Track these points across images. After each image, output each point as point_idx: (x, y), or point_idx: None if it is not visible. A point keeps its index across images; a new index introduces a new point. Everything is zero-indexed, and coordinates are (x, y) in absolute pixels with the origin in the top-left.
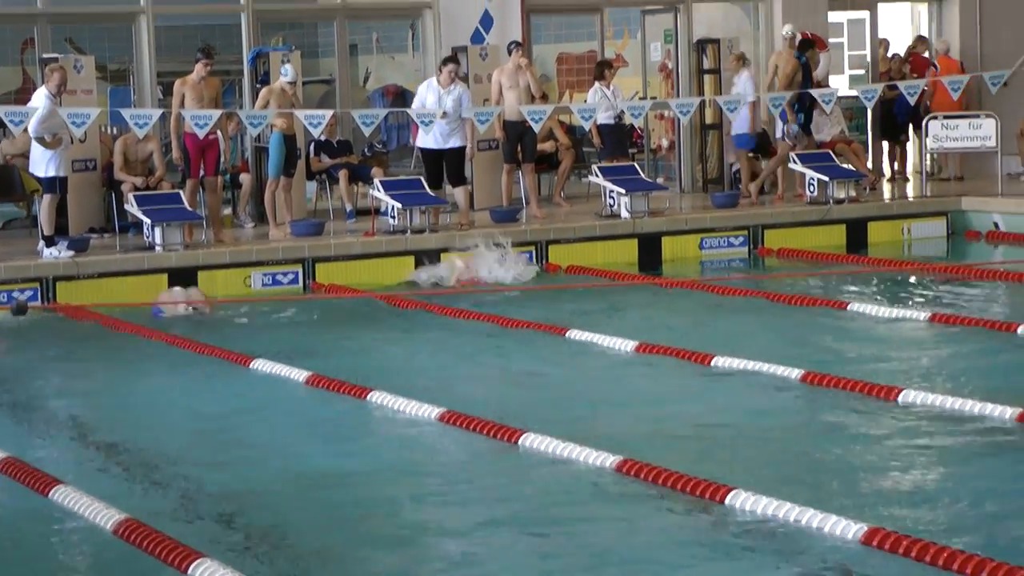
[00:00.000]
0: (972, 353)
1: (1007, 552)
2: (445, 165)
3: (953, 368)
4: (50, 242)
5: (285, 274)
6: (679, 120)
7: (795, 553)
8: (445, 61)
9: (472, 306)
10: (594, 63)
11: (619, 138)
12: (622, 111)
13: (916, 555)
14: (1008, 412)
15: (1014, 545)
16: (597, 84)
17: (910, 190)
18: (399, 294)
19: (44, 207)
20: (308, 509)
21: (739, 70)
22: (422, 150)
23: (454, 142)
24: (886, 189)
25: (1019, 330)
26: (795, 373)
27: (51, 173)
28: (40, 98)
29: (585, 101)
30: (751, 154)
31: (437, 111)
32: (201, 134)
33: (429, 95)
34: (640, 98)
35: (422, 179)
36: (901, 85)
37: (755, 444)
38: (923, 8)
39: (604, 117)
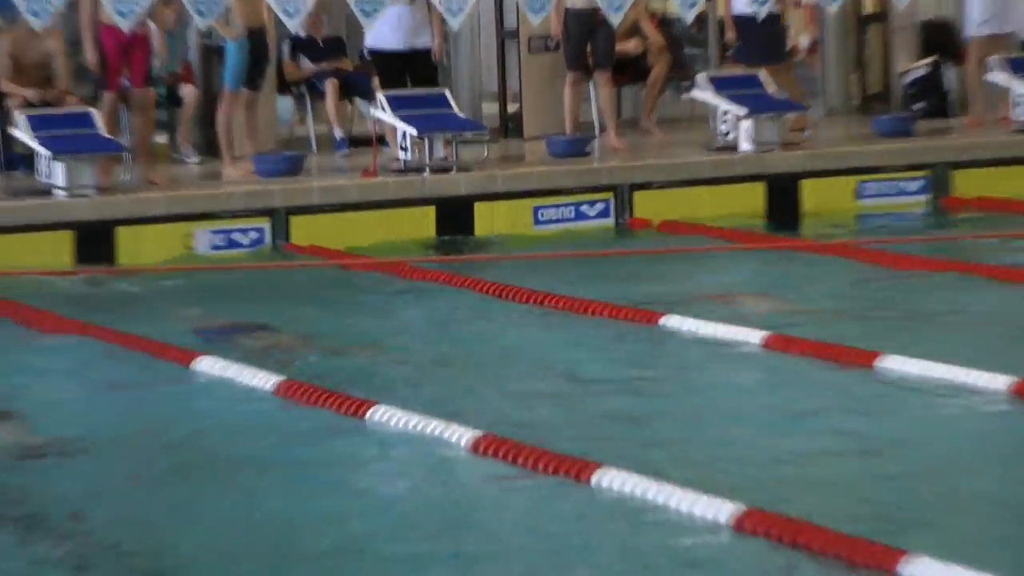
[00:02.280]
0: None
1: None
2: (410, 75)
3: None
4: None
5: (245, 231)
6: (825, 9)
7: None
8: None
9: (518, 279)
10: None
11: (771, 39)
12: None
13: None
14: None
15: None
16: None
17: None
18: (411, 261)
19: None
20: None
21: None
22: (379, 53)
23: (423, 40)
24: None
25: None
26: (1001, 382)
27: None
28: None
29: None
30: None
31: None
32: (125, 27)
33: None
34: None
35: (447, 93)
36: None
37: (943, 487)
38: None
39: (746, 4)
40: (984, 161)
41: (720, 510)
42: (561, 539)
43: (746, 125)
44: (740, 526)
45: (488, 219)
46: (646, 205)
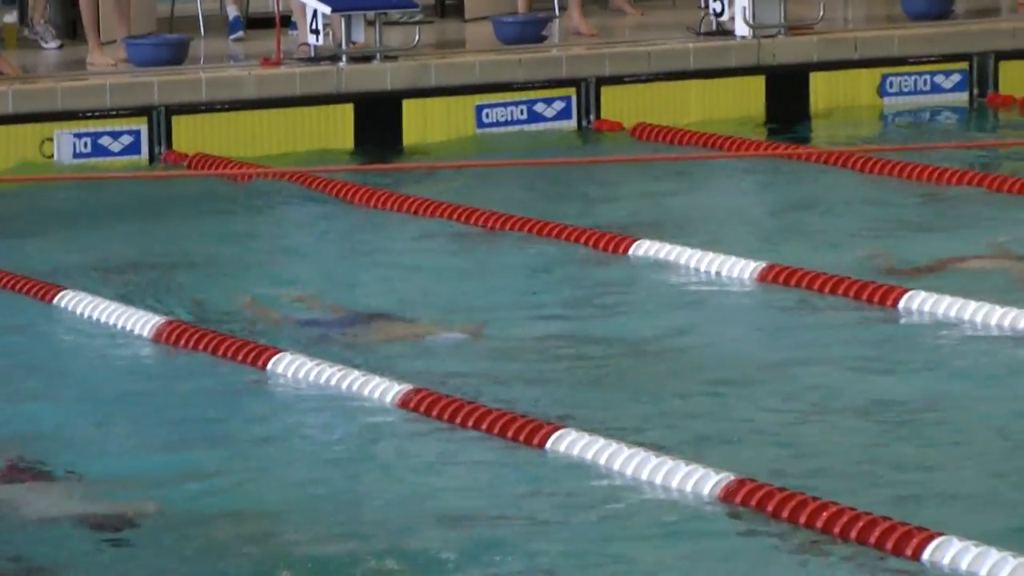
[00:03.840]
0: None
1: None
2: None
3: None
4: None
5: (117, 135)
6: None
7: None
8: None
9: (456, 194)
10: None
11: None
12: None
13: None
14: None
15: None
16: None
17: None
18: (323, 171)
19: None
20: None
21: None
22: None
23: None
24: None
25: None
26: None
27: None
28: None
29: None
30: None
31: None
32: None
33: None
34: None
35: None
36: None
37: (982, 453)
38: None
39: None
40: None
41: (703, 480)
42: (508, 511)
43: (743, 3)
44: (728, 496)
45: (420, 121)
46: (617, 104)
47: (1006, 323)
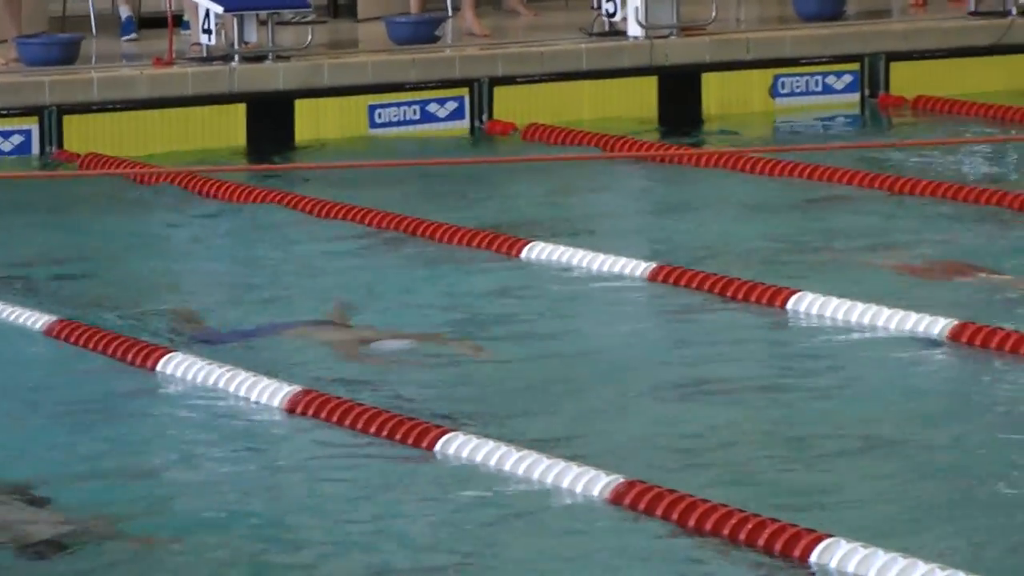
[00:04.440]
0: None
1: None
2: None
3: None
4: None
5: (7, 135)
6: None
7: None
8: None
9: (348, 195)
10: None
11: None
12: None
13: None
14: None
15: None
16: None
17: None
18: (213, 171)
19: None
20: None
21: None
22: None
23: None
24: None
25: None
26: (940, 327)
27: None
28: None
29: None
30: None
31: None
32: None
33: None
34: None
35: None
36: None
37: (870, 454)
38: None
39: None
40: (929, 52)
41: (593, 482)
42: (396, 514)
43: (636, 4)
44: (618, 499)
45: (312, 120)
46: (509, 104)
47: (892, 325)
